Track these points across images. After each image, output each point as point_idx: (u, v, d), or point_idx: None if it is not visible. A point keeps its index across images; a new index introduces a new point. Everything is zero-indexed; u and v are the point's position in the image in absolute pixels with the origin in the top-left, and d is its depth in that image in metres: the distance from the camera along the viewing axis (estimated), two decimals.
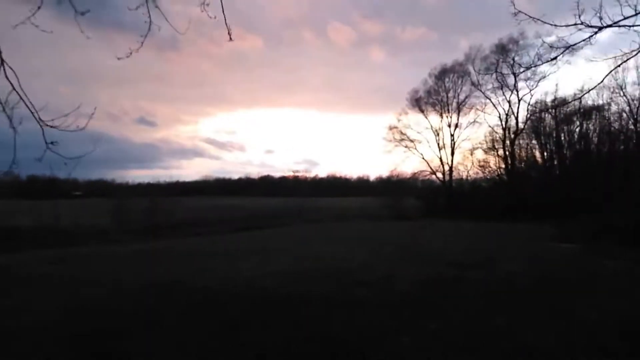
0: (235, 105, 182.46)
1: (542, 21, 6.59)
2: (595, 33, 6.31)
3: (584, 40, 6.51)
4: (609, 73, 7.81)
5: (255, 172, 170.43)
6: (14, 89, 3.39)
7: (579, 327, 5.52)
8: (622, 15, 5.89)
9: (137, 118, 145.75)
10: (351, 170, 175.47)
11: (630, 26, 5.99)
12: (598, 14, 5.90)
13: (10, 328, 5.77)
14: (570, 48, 6.87)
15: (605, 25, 6.09)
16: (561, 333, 5.27)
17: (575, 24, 6.26)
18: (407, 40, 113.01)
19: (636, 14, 5.75)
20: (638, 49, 6.34)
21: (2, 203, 32.85)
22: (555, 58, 7.59)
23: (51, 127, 3.34)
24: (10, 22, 3.69)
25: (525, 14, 6.58)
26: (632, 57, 6.69)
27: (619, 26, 6.19)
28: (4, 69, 3.50)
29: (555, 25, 6.46)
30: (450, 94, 39.67)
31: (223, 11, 3.95)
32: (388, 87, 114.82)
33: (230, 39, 4.09)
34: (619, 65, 7.60)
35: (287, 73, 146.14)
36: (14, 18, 3.77)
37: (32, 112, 3.38)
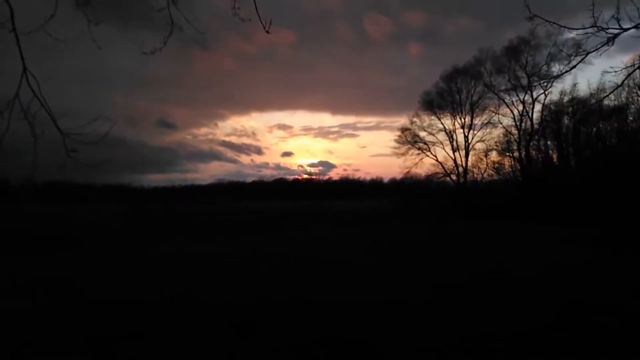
0: (254, 107, 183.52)
1: (558, 25, 6.42)
2: (614, 37, 6.09)
3: (602, 44, 6.26)
4: (626, 77, 7.58)
5: (271, 174, 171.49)
6: (35, 96, 3.42)
7: None
8: None
9: (157, 120, 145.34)
10: (365, 172, 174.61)
11: None
12: (616, 16, 5.71)
13: None
14: (588, 55, 6.66)
15: (623, 29, 5.89)
16: None
17: (593, 27, 6.07)
18: (448, 33, 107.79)
19: None
20: None
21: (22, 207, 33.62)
22: (573, 67, 7.36)
23: (73, 134, 3.35)
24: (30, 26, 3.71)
25: (542, 18, 6.41)
26: None
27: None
28: (26, 76, 3.53)
29: (572, 29, 6.28)
30: (463, 96, 39.16)
31: (256, 7, 3.82)
32: (416, 85, 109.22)
33: (267, 31, 3.94)
34: (637, 68, 7.36)
35: (309, 73, 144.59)
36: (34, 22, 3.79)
37: (53, 120, 3.39)
